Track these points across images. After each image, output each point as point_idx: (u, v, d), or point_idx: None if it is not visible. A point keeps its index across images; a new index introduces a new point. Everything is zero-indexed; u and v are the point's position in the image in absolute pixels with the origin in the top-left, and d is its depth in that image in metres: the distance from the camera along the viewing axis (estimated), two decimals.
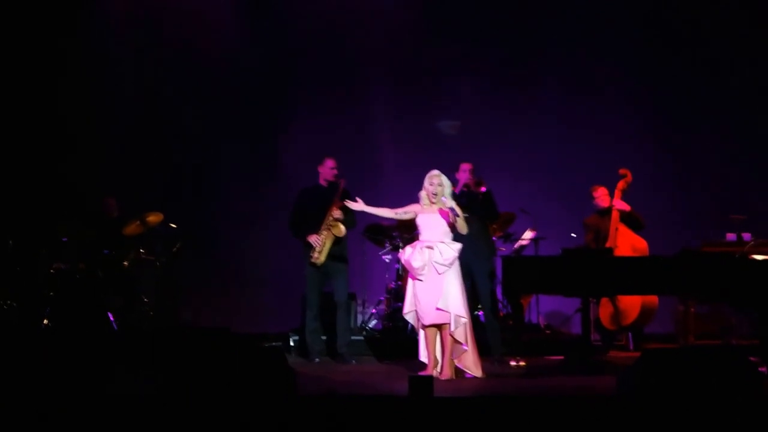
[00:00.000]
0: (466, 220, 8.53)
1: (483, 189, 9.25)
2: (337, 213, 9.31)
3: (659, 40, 11.89)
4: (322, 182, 9.58)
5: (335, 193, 9.38)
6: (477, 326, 9.01)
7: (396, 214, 8.63)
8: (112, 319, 10.30)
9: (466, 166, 9.27)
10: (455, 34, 12.05)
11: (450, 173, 8.76)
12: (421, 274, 8.36)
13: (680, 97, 11.80)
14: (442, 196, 8.39)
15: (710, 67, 11.77)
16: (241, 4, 12.26)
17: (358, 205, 8.58)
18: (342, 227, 9.35)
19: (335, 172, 9.51)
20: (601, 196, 10.07)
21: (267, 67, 12.11)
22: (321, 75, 12.12)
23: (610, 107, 11.92)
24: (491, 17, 12.04)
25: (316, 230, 9.40)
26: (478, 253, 9.06)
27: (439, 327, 8.34)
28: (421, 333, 8.44)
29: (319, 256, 9.41)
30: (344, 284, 9.67)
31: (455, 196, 8.75)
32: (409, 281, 8.58)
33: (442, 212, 8.38)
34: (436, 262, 8.29)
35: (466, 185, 9.24)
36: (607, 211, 9.93)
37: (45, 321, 10.03)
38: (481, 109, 11.95)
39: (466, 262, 8.77)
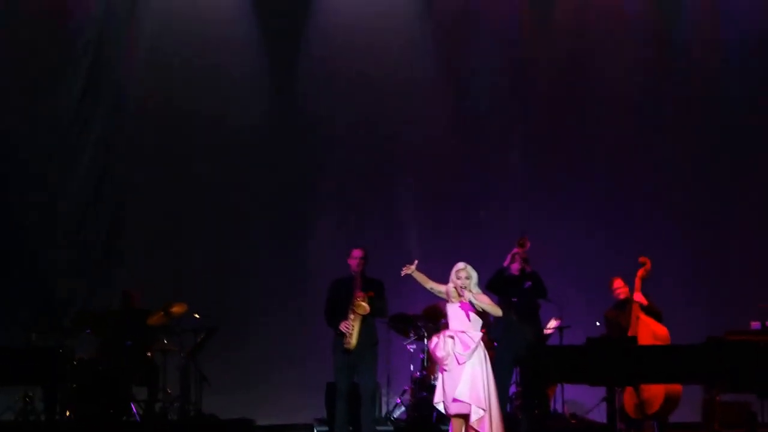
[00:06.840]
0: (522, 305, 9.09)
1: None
2: (359, 295, 9.35)
3: (683, 132, 12.09)
4: (352, 273, 9.63)
5: (357, 281, 9.45)
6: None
7: (431, 287, 8.62)
8: (134, 410, 10.29)
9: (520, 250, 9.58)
10: (482, 126, 12.31)
11: (476, 261, 8.79)
12: (445, 364, 8.38)
13: (703, 186, 11.99)
14: (469, 289, 8.43)
15: (731, 158, 11.96)
16: (271, 96, 12.40)
17: (410, 268, 8.52)
18: (364, 304, 9.31)
19: (359, 261, 9.56)
20: (618, 288, 10.19)
21: (296, 158, 12.22)
22: (349, 165, 12.26)
23: (633, 199, 12.14)
24: (520, 111, 12.35)
25: (345, 318, 9.45)
26: (526, 337, 9.23)
27: (464, 417, 8.32)
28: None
29: (351, 340, 9.36)
30: (372, 375, 9.53)
31: (514, 278, 9.09)
32: None
33: (462, 305, 8.43)
34: (456, 352, 8.32)
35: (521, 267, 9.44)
36: (626, 303, 10.03)
37: (68, 412, 10.00)
38: (506, 199, 12.13)
39: (515, 348, 8.94)
